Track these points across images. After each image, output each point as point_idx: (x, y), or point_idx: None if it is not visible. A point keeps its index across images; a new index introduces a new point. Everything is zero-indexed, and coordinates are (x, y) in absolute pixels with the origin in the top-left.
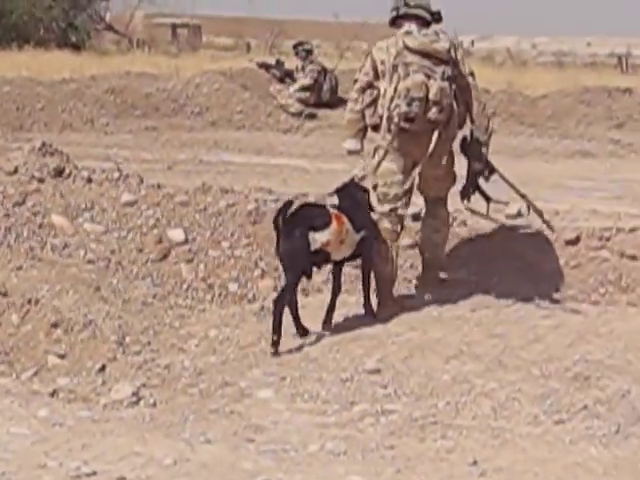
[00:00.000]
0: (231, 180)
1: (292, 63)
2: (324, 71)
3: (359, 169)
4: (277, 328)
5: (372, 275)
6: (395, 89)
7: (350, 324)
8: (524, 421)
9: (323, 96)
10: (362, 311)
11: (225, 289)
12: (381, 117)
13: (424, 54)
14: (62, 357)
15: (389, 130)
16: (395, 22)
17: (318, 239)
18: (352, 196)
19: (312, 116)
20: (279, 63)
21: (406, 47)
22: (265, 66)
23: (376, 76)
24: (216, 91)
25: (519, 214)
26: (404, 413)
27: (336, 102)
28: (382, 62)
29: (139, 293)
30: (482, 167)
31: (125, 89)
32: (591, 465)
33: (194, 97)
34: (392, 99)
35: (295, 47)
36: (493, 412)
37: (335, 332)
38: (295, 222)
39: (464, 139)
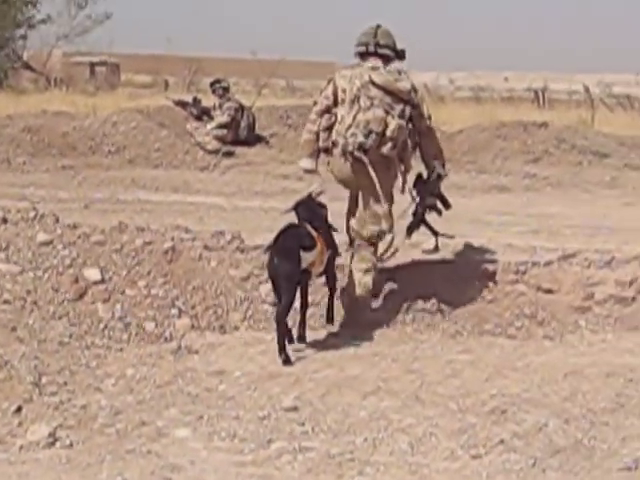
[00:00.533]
0: (148, 218)
1: (209, 101)
2: (241, 108)
3: (316, 186)
4: (283, 347)
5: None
6: (354, 118)
7: (267, 362)
8: (441, 456)
9: (240, 133)
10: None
11: (142, 328)
12: (334, 142)
13: (387, 91)
14: None
15: (343, 154)
16: (362, 55)
17: (308, 259)
18: (312, 211)
19: (229, 154)
20: (196, 101)
21: (372, 81)
22: (182, 104)
23: (335, 102)
24: (133, 129)
25: (436, 249)
26: (321, 450)
27: (253, 140)
28: (343, 90)
29: (55, 333)
30: (434, 202)
31: (42, 128)
32: None
33: (111, 135)
34: (349, 127)
35: (212, 85)
36: (410, 448)
37: (252, 370)
38: (289, 243)
39: (419, 175)
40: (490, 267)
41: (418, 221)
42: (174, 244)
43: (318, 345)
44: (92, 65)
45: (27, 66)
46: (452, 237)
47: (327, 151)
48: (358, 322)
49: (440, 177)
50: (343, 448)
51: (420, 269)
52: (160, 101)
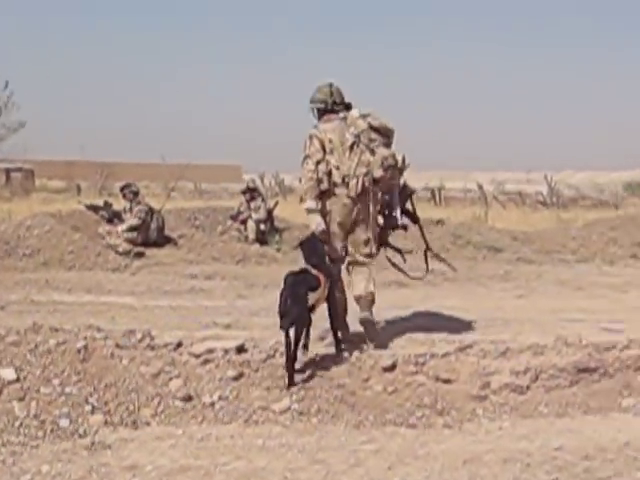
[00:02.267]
0: (61, 319)
1: (120, 204)
2: (151, 211)
3: (317, 225)
4: (292, 373)
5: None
6: (359, 160)
7: (178, 456)
8: None
9: (150, 235)
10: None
11: (56, 425)
12: (334, 185)
13: (381, 132)
14: None
15: (350, 192)
16: (320, 111)
17: (314, 297)
18: (314, 248)
19: (140, 255)
20: (107, 205)
21: (371, 126)
22: (94, 208)
23: (323, 153)
24: (47, 233)
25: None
26: None
27: (163, 241)
28: (330, 141)
29: None
30: (395, 223)
31: None
32: None
33: (25, 239)
34: (356, 167)
35: (122, 189)
36: None
37: (163, 463)
38: (299, 289)
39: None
40: (390, 360)
41: (382, 241)
42: (87, 343)
43: (226, 438)
44: (7, 171)
45: None
46: (411, 251)
47: (325, 193)
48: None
49: (412, 193)
50: None
51: (325, 362)
52: (73, 205)
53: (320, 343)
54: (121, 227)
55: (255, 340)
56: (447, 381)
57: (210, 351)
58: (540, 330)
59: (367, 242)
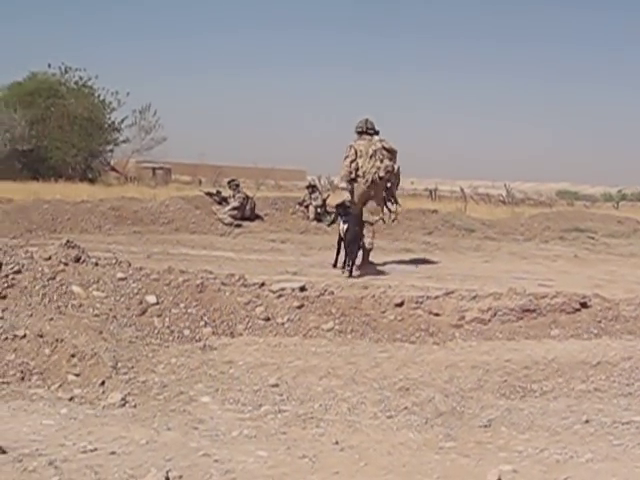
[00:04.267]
0: (187, 265)
1: (227, 192)
2: (247, 197)
3: (347, 197)
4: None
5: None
6: (373, 165)
7: (259, 355)
8: (368, 416)
9: (246, 213)
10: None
11: (181, 334)
12: (359, 175)
13: (389, 151)
14: (77, 375)
15: (366, 182)
16: (359, 133)
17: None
18: (345, 208)
19: (238, 226)
20: (218, 192)
21: (384, 147)
22: (209, 194)
23: (356, 156)
24: (178, 209)
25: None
26: (292, 412)
27: (254, 217)
28: (360, 151)
29: (127, 335)
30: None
31: (121, 207)
32: (409, 444)
33: (164, 213)
34: (371, 168)
35: (229, 183)
36: (349, 411)
37: (250, 360)
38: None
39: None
40: (400, 299)
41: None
42: (203, 281)
43: (291, 345)
44: (153, 169)
45: (113, 169)
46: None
47: (353, 180)
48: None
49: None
50: (306, 410)
51: (356, 298)
52: (196, 192)
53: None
54: (227, 207)
55: (312, 283)
56: (437, 314)
57: (283, 289)
58: (498, 284)
59: (375, 211)
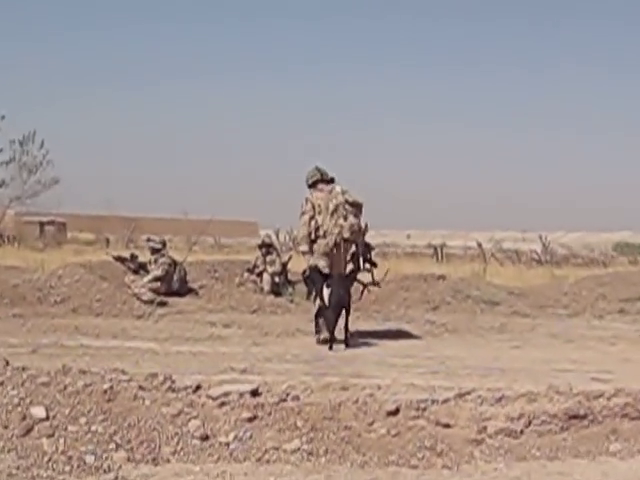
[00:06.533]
0: (89, 362)
1: (146, 256)
2: (174, 263)
3: (311, 261)
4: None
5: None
6: (335, 223)
7: None
8: None
9: (173, 285)
10: None
11: (82, 461)
12: (317, 237)
13: (353, 205)
14: None
15: (326, 245)
16: (312, 184)
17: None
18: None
19: (163, 303)
20: (133, 257)
21: (346, 201)
22: (121, 259)
23: (314, 212)
24: (77, 282)
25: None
26: None
27: (184, 291)
28: (319, 205)
29: (4, 466)
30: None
31: None
32: None
33: (57, 287)
34: (334, 227)
35: (148, 242)
36: None
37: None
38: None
39: (353, 254)
40: (394, 405)
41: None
42: (112, 385)
43: (240, 475)
44: (41, 224)
45: None
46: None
47: (313, 242)
48: None
49: (372, 248)
50: None
51: (332, 404)
52: (101, 256)
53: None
54: (146, 277)
55: (268, 384)
56: (446, 425)
57: (226, 394)
58: (533, 379)
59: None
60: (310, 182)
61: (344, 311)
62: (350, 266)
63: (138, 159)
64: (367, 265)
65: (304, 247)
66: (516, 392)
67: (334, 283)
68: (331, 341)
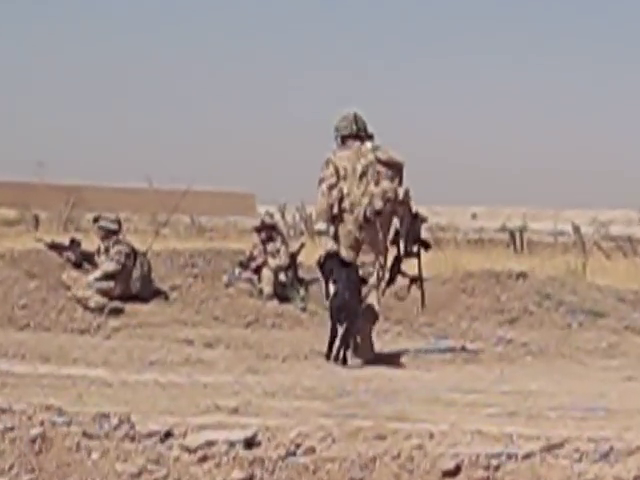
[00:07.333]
0: (10, 396)
1: (94, 243)
2: (134, 253)
3: (330, 245)
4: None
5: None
6: (365, 190)
7: None
8: None
9: (132, 285)
10: None
11: None
12: (344, 210)
13: (389, 165)
14: None
15: (355, 220)
16: (343, 138)
17: None
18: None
19: (117, 311)
20: (74, 243)
21: (378, 160)
22: (57, 247)
23: (338, 178)
24: None
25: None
26: None
27: (149, 293)
28: (344, 168)
29: None
30: (412, 249)
31: None
32: None
33: None
34: (362, 196)
35: (96, 221)
36: None
37: None
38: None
39: (397, 232)
40: (453, 461)
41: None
42: (44, 430)
43: None
44: None
45: None
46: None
47: (336, 218)
48: None
49: (424, 221)
50: None
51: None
52: (28, 243)
53: None
54: (93, 274)
55: (270, 430)
56: None
57: (210, 444)
58: None
59: (374, 266)
60: (341, 133)
61: (349, 321)
62: (390, 255)
63: (79, 106)
64: (414, 247)
65: (321, 225)
66: (630, 444)
67: (340, 278)
68: (328, 356)
